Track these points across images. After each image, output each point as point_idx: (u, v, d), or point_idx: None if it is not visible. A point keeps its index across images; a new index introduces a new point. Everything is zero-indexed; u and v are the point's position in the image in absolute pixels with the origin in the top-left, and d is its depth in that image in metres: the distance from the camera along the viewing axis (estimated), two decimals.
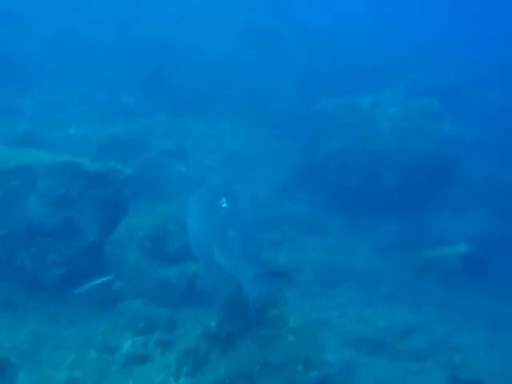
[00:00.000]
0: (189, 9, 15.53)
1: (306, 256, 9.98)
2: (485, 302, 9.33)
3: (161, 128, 12.32)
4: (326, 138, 11.28)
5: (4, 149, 6.83)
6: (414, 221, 10.57)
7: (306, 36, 17.44)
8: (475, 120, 13.85)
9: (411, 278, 9.49)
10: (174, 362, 5.91)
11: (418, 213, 10.61)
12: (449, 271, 8.64)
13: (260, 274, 4.93)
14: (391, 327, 7.75)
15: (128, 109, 13.08)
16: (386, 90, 11.32)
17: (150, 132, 12.07)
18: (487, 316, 8.84)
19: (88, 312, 6.82)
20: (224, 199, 5.44)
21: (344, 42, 18.63)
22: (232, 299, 6.33)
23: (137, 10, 16.00)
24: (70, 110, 12.53)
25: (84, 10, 15.90)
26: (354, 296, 9.28)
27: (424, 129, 10.26)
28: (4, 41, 14.03)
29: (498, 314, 8.88)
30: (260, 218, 10.32)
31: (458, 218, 10.62)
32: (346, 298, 9.15)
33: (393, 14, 26.52)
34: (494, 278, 10.18)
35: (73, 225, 6.61)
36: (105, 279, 6.91)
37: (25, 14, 15.53)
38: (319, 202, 11.34)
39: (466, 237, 10.01)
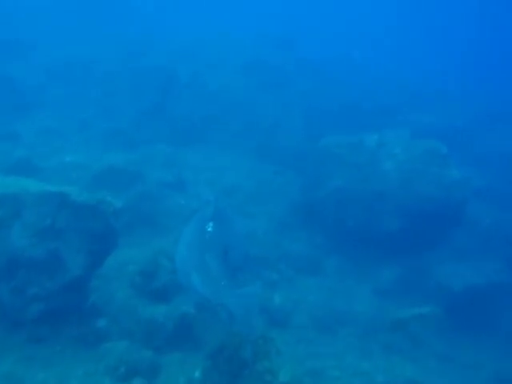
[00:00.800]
0: (194, 41, 15.59)
1: (302, 298, 9.59)
2: (489, 355, 8.88)
3: (160, 158, 12.10)
4: (328, 175, 11.02)
5: None
6: (415, 266, 10.20)
7: (310, 71, 17.42)
8: (482, 165, 13.62)
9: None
10: None
11: (420, 258, 10.25)
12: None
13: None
14: (390, 382, 7.32)
15: (128, 138, 12.89)
16: (391, 130, 11.12)
17: (149, 162, 11.86)
18: (491, 372, 8.38)
19: (69, 352, 6.42)
20: (211, 223, 5.48)
21: (349, 78, 18.64)
22: (221, 346, 5.97)
23: (142, 40, 16.02)
24: (69, 138, 12.34)
25: (88, 38, 15.93)
26: (351, 343, 8.85)
27: (429, 172, 9.99)
28: (6, 67, 13.97)
29: (503, 370, 8.42)
30: (257, 256, 10.02)
31: (462, 264, 10.24)
32: (343, 346, 8.72)
33: (398, 53, 26.74)
34: (498, 330, 9.76)
35: (58, 257, 6.28)
36: None
37: (30, 40, 15.58)
38: (318, 242, 11.00)
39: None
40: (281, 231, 10.94)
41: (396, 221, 10.25)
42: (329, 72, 18.41)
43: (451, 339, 9.27)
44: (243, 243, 6.13)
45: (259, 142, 13.70)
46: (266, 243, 10.39)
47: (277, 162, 13.18)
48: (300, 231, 11.11)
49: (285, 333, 8.91)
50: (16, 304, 6.22)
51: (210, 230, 5.60)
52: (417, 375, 7.64)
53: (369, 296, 10.01)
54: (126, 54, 15.61)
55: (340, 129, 13.79)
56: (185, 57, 15.06)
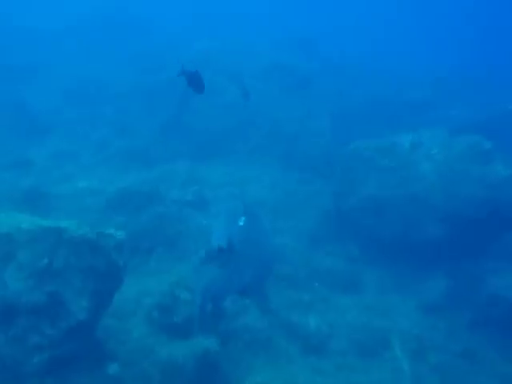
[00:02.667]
0: (209, 50, 14.90)
1: (339, 319, 8.70)
2: None
3: (179, 176, 11.46)
4: (360, 182, 10.13)
5: None
6: (465, 276, 9.14)
7: (334, 73, 16.56)
8: None
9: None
10: None
11: (470, 267, 9.20)
12: None
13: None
14: None
15: (144, 156, 12.29)
16: (426, 129, 10.13)
17: (168, 180, 11.24)
18: None
19: None
20: (243, 218, 5.75)
21: (376, 77, 17.71)
22: None
23: (156, 54, 15.49)
24: (84, 161, 11.84)
25: (102, 57, 15.52)
26: (399, 368, 7.94)
27: (472, 171, 8.98)
28: (19, 92, 13.63)
29: None
30: (287, 275, 9.19)
31: None
32: (390, 371, 7.82)
33: (425, 47, 25.63)
34: None
35: (59, 300, 5.61)
36: None
37: (42, 64, 15.27)
38: (354, 255, 10.10)
39: None
40: (311, 246, 10.09)
41: (439, 227, 9.27)
42: (353, 71, 17.56)
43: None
44: (272, 242, 6.30)
45: (283, 149, 12.91)
46: (296, 260, 9.55)
47: (304, 170, 12.35)
48: (332, 244, 10.23)
49: (322, 360, 8.08)
50: (16, 355, 5.57)
51: (241, 224, 5.77)
52: None
53: (414, 312, 9.04)
54: (141, 69, 15.09)
55: (370, 130, 12.89)
56: (200, 67, 14.34)
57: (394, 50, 23.25)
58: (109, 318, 6.95)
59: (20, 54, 15.61)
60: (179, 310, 6.99)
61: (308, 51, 17.18)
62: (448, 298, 9.09)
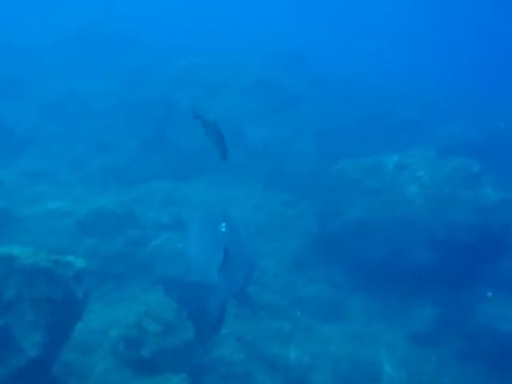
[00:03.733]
0: (194, 65, 14.55)
1: (323, 350, 8.21)
2: None
3: (158, 196, 10.98)
4: (345, 204, 9.70)
5: None
6: (454, 305, 8.69)
7: (323, 89, 16.24)
8: None
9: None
10: None
11: (459, 295, 8.75)
12: None
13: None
14: None
15: (124, 175, 11.84)
16: (414, 149, 9.75)
17: (146, 201, 10.76)
18: None
19: None
20: (223, 224, 5.67)
21: (366, 95, 17.38)
22: None
23: (140, 70, 15.13)
24: (60, 179, 11.36)
25: (84, 73, 15.14)
26: None
27: (461, 195, 8.56)
28: None
29: None
30: (267, 303, 8.70)
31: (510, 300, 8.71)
32: None
33: (417, 65, 25.50)
34: None
35: (8, 336, 5.10)
36: None
37: (23, 78, 14.85)
38: (338, 280, 9.62)
39: None
40: (294, 270, 9.61)
41: (427, 252, 8.83)
42: (343, 87, 17.24)
43: None
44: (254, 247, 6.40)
45: (268, 169, 12.50)
46: (277, 286, 9.07)
47: (288, 191, 11.90)
48: (316, 269, 9.76)
49: None
50: None
51: (223, 230, 5.73)
52: None
53: (402, 343, 8.56)
54: (124, 85, 14.71)
55: (360, 149, 12.50)
56: (184, 82, 14.03)
57: (386, 66, 23.07)
58: (71, 352, 6.45)
59: (1, 67, 15.19)
60: (147, 343, 6.49)
61: (297, 67, 16.89)
62: (437, 327, 8.63)
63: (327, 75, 17.48)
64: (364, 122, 15.07)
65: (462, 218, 8.49)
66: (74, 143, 12.86)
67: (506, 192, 8.74)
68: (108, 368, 6.39)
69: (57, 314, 5.23)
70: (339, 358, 8.11)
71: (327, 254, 9.93)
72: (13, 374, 5.12)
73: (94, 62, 16.24)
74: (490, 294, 8.71)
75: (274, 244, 10.09)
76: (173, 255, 9.22)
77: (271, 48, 18.02)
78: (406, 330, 8.70)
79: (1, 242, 8.34)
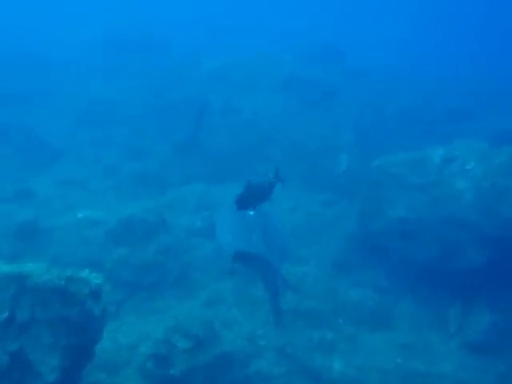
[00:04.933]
0: (226, 65, 14.14)
1: (369, 361, 7.62)
2: None
3: (191, 200, 10.60)
4: (388, 202, 9.03)
5: None
6: None
7: (360, 83, 15.49)
8: None
9: None
10: None
11: None
12: None
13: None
14: None
15: (157, 180, 11.54)
16: (461, 140, 8.97)
17: (179, 206, 10.42)
18: None
19: None
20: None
21: (406, 86, 16.55)
22: None
23: (172, 73, 14.84)
24: (92, 187, 11.14)
25: (114, 79, 15.00)
26: None
27: None
28: (30, 117, 13.16)
29: None
30: (307, 311, 8.16)
31: None
32: None
33: (460, 54, 24.27)
34: None
35: (24, 360, 4.78)
36: None
37: (55, 88, 14.84)
38: (383, 285, 8.96)
39: None
40: (336, 275, 9.02)
41: (481, 253, 8.06)
42: (381, 80, 16.44)
43: None
44: (282, 228, 6.33)
45: (305, 168, 11.90)
46: (318, 293, 8.50)
47: (328, 190, 11.31)
48: (359, 273, 9.13)
49: None
50: None
51: (251, 213, 5.80)
52: None
53: (457, 352, 7.84)
54: (154, 89, 14.43)
55: (401, 143, 11.82)
56: (217, 83, 13.63)
57: (426, 57, 22.01)
58: (97, 371, 6.13)
59: (32, 79, 15.24)
60: (176, 360, 6.08)
61: (332, 61, 16.17)
62: (496, 334, 7.86)
63: (363, 68, 16.72)
64: (405, 114, 14.32)
65: None
66: (107, 150, 12.66)
67: None
68: None
69: (74, 334, 4.87)
70: (387, 371, 7.49)
71: (370, 257, 9.30)
72: None
73: (123, 67, 16.10)
74: None
75: (313, 247, 9.54)
76: (207, 262, 8.83)
77: (305, 43, 17.39)
78: (461, 339, 7.98)
79: (28, 254, 8.19)
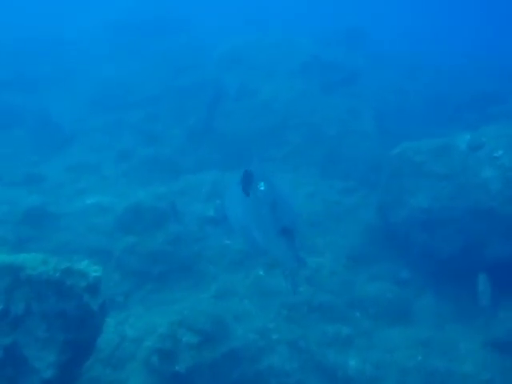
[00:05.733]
0: (242, 46, 13.69)
1: (387, 358, 7.24)
2: None
3: (205, 187, 10.25)
4: (410, 191, 8.56)
5: None
6: None
7: (384, 66, 14.93)
8: None
9: None
10: None
11: None
12: None
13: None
14: None
15: (171, 165, 11.23)
16: (488, 126, 8.43)
17: (191, 193, 10.08)
18: None
19: None
20: (262, 183, 5.46)
21: (432, 70, 15.92)
22: None
23: (187, 55, 14.45)
24: (103, 173, 10.86)
25: (129, 61, 14.67)
26: None
27: None
28: (44, 100, 12.94)
29: None
30: (321, 304, 7.79)
31: None
32: None
33: (488, 35, 23.37)
34: None
35: (18, 355, 4.53)
36: None
37: (70, 70, 14.60)
38: (403, 277, 8.53)
39: None
40: (353, 267, 8.59)
41: (508, 245, 7.59)
42: (405, 64, 15.84)
43: None
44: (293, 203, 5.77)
45: (323, 154, 11.45)
46: (334, 285, 8.12)
47: (346, 178, 10.86)
48: (378, 265, 8.70)
49: None
50: None
51: (262, 188, 5.52)
52: None
53: (482, 351, 7.39)
54: (170, 71, 14.06)
55: (426, 130, 11.34)
56: (232, 65, 13.22)
57: (452, 38, 21.23)
58: (100, 365, 5.87)
59: (46, 62, 15.03)
60: (182, 356, 5.78)
61: (354, 43, 15.63)
62: None
63: (386, 52, 16.12)
64: (429, 99, 13.75)
65: None
66: (120, 134, 12.38)
67: None
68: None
69: (71, 329, 4.59)
70: (407, 368, 7.10)
71: (390, 249, 8.87)
72: None
73: (138, 49, 15.75)
74: None
75: (330, 237, 9.13)
76: (218, 252, 8.51)
77: (326, 24, 16.84)
78: (486, 336, 7.52)
79: (34, 241, 7.97)
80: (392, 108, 13.86)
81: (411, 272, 8.58)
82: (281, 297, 7.73)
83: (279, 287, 7.86)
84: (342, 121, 12.19)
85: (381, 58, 15.62)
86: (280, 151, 11.66)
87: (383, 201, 9.10)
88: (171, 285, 7.92)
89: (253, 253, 7.02)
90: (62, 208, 8.73)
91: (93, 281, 4.61)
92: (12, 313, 4.53)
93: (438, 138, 8.60)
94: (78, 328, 4.65)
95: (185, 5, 18.90)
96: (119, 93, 13.62)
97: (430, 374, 7.06)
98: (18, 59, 15.24)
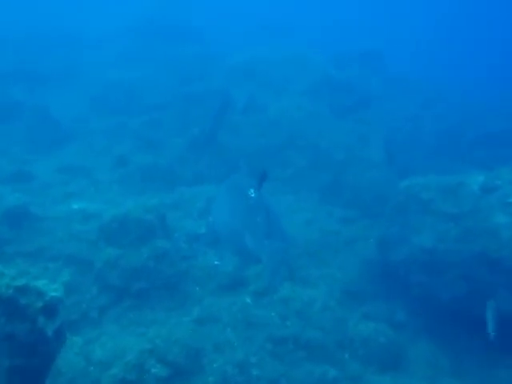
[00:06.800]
0: (254, 60, 13.31)
1: None
2: None
3: (199, 203, 9.78)
4: (413, 229, 8.07)
5: None
6: None
7: (399, 93, 14.51)
8: None
9: None
10: None
11: None
12: None
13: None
14: None
15: (167, 176, 10.77)
16: (504, 167, 7.94)
17: (185, 207, 9.63)
18: None
19: None
20: (252, 190, 6.07)
21: (450, 101, 15.48)
22: None
23: (197, 63, 14.10)
24: (96, 177, 10.41)
25: (139, 65, 14.34)
26: None
27: None
28: (45, 96, 12.56)
29: None
30: (309, 341, 7.24)
31: None
32: None
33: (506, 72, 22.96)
34: None
35: None
36: None
37: (77, 68, 14.27)
38: (399, 320, 7.99)
39: None
40: (346, 304, 8.05)
41: None
42: (421, 92, 15.40)
43: None
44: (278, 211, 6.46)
45: (327, 180, 10.99)
46: (324, 322, 7.56)
47: (349, 207, 10.39)
48: (373, 303, 8.16)
49: None
50: None
51: (252, 195, 6.10)
52: None
53: None
54: (179, 79, 13.68)
55: (433, 166, 10.83)
56: (242, 78, 12.83)
57: (473, 71, 20.83)
58: None
59: (57, 60, 14.73)
60: None
61: (370, 67, 15.24)
62: None
63: (401, 76, 15.73)
64: (443, 132, 13.26)
65: None
66: (120, 138, 11.97)
67: None
68: None
69: (19, 355, 4.07)
70: None
71: (387, 287, 8.35)
72: None
73: (152, 54, 15.45)
74: None
75: (325, 269, 8.60)
76: (206, 274, 7.99)
77: (342, 46, 16.47)
78: None
79: (13, 244, 7.49)
80: (403, 137, 13.43)
81: (408, 314, 8.05)
82: (267, 329, 7.21)
83: (266, 319, 7.35)
84: (350, 146, 11.74)
85: (395, 82, 15.23)
86: (283, 172, 11.20)
87: (385, 235, 8.60)
88: (152, 303, 7.40)
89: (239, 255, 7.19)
90: (46, 210, 8.27)
91: (50, 301, 4.11)
92: None
93: (449, 176, 8.11)
94: (28, 354, 4.13)
95: (201, 13, 18.65)
96: (124, 97, 13.27)
97: None
98: (28, 54, 14.97)
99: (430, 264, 7.79)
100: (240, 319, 7.34)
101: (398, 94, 14.80)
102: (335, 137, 11.72)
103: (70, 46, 15.83)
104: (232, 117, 12.07)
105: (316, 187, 10.84)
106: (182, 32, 17.36)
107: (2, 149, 10.83)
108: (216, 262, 8.23)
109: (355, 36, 20.59)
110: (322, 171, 11.11)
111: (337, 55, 15.02)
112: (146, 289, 7.52)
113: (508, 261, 6.95)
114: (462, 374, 7.26)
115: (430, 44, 25.29)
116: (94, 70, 14.53)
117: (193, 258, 8.21)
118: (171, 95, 13.21)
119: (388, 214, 8.62)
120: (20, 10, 18.00)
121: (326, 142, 11.65)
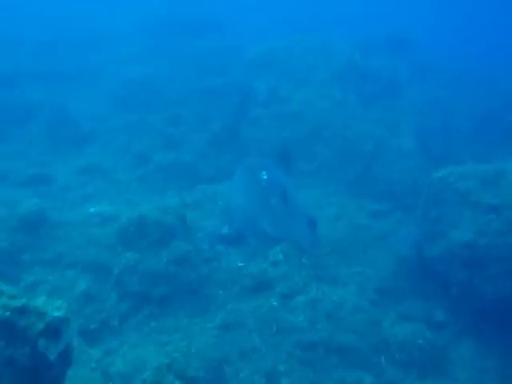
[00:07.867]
0: (275, 51, 12.83)
1: None
2: None
3: (222, 200, 9.38)
4: (451, 222, 7.49)
5: None
6: None
7: (428, 80, 13.80)
8: None
9: None
10: None
11: None
12: None
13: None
14: None
15: (189, 173, 10.41)
16: None
17: (207, 206, 9.23)
18: None
19: None
20: (264, 172, 5.93)
21: (484, 86, 14.69)
22: None
23: (220, 56, 13.69)
24: (118, 177, 10.12)
25: (159, 61, 14.02)
26: None
27: None
28: (64, 96, 12.34)
29: None
30: (341, 345, 6.78)
31: None
32: None
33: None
34: None
35: None
36: None
37: (96, 66, 14.03)
38: (439, 320, 7.43)
39: None
40: (380, 304, 7.54)
41: None
42: (454, 78, 14.64)
43: None
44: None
45: (356, 172, 10.44)
46: (357, 324, 7.08)
47: (380, 200, 9.82)
48: (410, 303, 7.62)
49: None
50: None
51: (265, 177, 5.89)
52: None
53: None
54: (199, 73, 13.33)
55: (474, 152, 10.21)
56: (265, 69, 12.35)
57: (496, 54, 19.86)
58: None
59: (75, 58, 14.53)
60: None
61: (399, 53, 14.57)
62: None
63: (431, 61, 15.01)
64: (479, 118, 12.52)
65: None
66: (139, 136, 11.64)
67: None
68: None
69: (23, 381, 3.72)
70: None
71: (425, 285, 7.79)
72: None
73: (171, 49, 15.14)
74: None
75: (355, 267, 8.09)
76: (230, 276, 7.59)
77: (369, 32, 15.81)
78: None
79: (29, 250, 7.24)
80: (436, 125, 12.73)
81: (447, 314, 7.48)
82: (295, 334, 6.78)
83: (295, 322, 6.92)
84: (379, 136, 11.17)
85: (425, 68, 14.53)
86: (309, 165, 10.70)
87: (420, 229, 8.03)
88: (174, 310, 7.05)
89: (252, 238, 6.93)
90: (64, 215, 7.98)
91: (52, 322, 3.74)
92: None
93: (488, 164, 7.51)
94: (31, 381, 3.78)
95: (221, 7, 18.23)
96: (144, 93, 12.95)
97: None
98: (46, 55, 14.85)
99: (470, 259, 7.20)
100: (266, 324, 6.94)
101: (429, 79, 14.10)
102: (363, 126, 11.17)
103: (88, 44, 15.67)
104: (253, 110, 11.63)
105: (344, 180, 10.32)
106: (202, 26, 17.00)
107: (21, 151, 10.65)
108: (240, 264, 7.84)
109: (381, 23, 19.84)
110: (349, 163, 10.58)
111: (363, 42, 14.39)
112: (167, 294, 7.17)
113: None
114: (509, 377, 6.70)
115: (457, 28, 24.29)
116: (113, 68, 14.30)
117: (215, 259, 7.83)
118: (190, 90, 12.85)
119: (423, 206, 8.05)
120: (37, 11, 17.94)
121: (354, 132, 11.12)
